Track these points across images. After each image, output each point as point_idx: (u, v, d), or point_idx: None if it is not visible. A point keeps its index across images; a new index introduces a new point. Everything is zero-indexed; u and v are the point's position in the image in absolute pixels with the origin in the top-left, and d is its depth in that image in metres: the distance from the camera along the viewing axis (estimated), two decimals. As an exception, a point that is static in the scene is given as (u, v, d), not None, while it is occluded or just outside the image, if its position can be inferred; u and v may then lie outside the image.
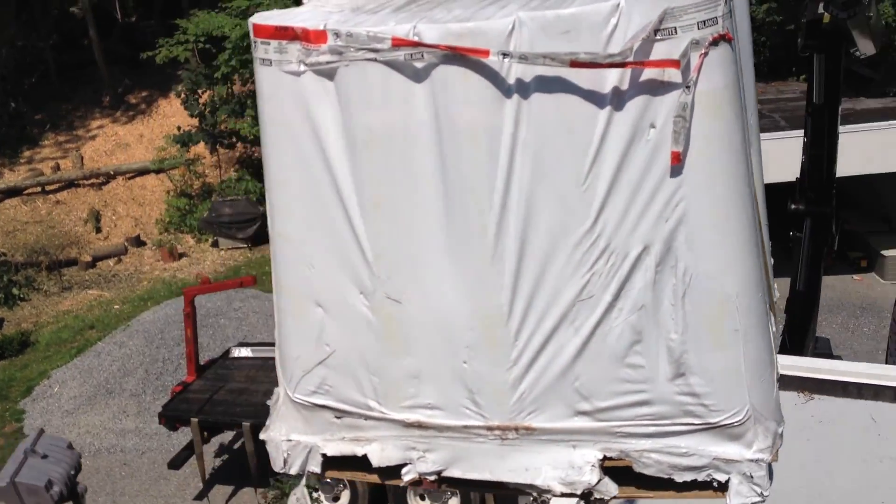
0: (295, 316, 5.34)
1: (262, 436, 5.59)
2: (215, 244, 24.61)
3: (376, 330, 5.13)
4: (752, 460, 4.85)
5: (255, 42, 4.87)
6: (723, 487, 4.96)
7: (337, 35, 4.61)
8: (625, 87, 4.36)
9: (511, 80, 4.46)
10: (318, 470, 5.53)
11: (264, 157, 5.17)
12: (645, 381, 4.83)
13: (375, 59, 4.59)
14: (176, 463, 14.02)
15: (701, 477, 4.96)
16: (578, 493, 5.05)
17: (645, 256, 4.61)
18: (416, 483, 5.38)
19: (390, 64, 4.58)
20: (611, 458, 5.05)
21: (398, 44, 4.49)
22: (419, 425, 5.24)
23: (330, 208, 4.98)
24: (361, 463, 5.48)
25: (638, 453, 4.99)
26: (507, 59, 4.34)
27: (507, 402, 5.05)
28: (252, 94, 22.87)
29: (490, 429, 5.13)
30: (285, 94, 4.86)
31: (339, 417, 5.43)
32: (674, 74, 4.24)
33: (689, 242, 4.55)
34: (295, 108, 4.86)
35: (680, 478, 4.98)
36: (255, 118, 18.18)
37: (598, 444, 5.03)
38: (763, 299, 4.86)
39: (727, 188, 4.50)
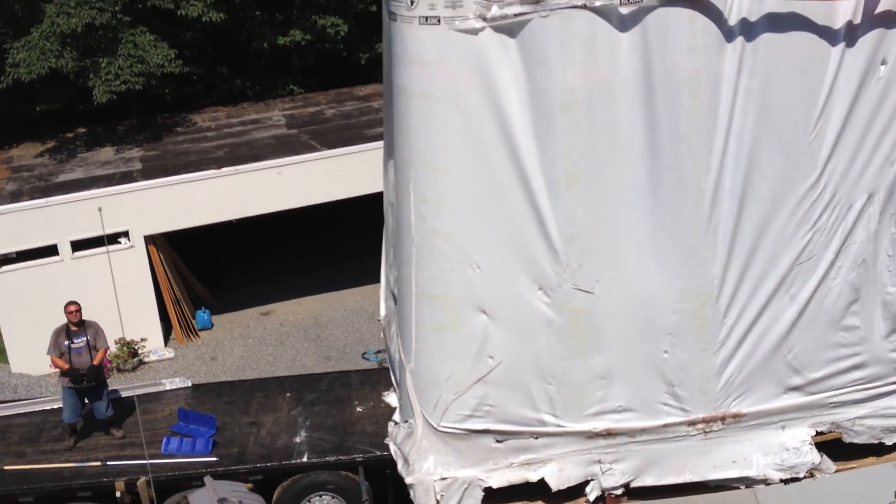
0: (447, 329, 4.51)
1: (408, 479, 4.67)
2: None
3: (559, 329, 4.44)
4: None
5: None
6: None
7: None
8: (858, 20, 4.05)
9: (734, 21, 4.02)
10: (476, 508, 4.72)
11: (405, 144, 4.33)
12: (860, 342, 4.54)
13: (584, 6, 3.96)
14: None
15: None
16: (801, 475, 4.65)
17: (868, 206, 4.33)
18: (599, 500, 4.73)
19: (600, 12, 3.97)
20: (820, 433, 4.69)
21: None
22: (607, 433, 4.60)
23: (506, 194, 4.24)
24: (529, 490, 4.74)
25: (850, 422, 4.68)
26: None
27: (712, 389, 4.55)
28: None
29: (692, 423, 4.60)
30: (456, 57, 4.07)
31: (501, 441, 4.66)
32: None
33: None
34: (468, 75, 4.09)
35: (890, 440, 4.73)
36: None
37: (809, 419, 4.66)
38: None
39: None
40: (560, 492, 4.72)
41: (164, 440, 13.04)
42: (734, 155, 4.17)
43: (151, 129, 20.38)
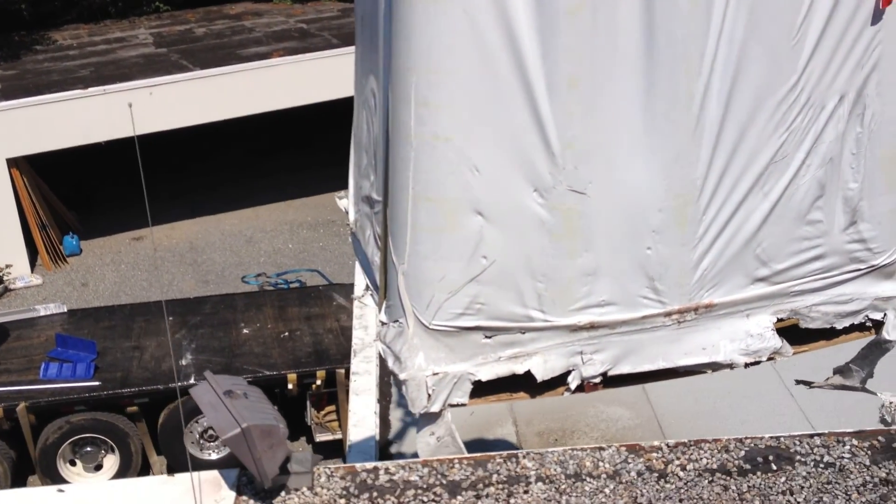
0: (443, 231, 4.62)
1: (401, 375, 4.80)
2: None
3: (551, 229, 4.62)
4: None
5: None
6: (877, 325, 5.22)
7: None
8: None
9: None
10: (464, 401, 4.91)
11: (405, 49, 4.37)
12: (821, 235, 4.91)
13: None
14: None
15: (858, 320, 5.17)
16: (764, 359, 5.03)
17: (839, 107, 4.65)
18: (579, 389, 4.99)
19: None
20: (781, 320, 5.08)
21: None
22: (590, 326, 4.84)
23: (508, 97, 4.35)
24: (513, 382, 4.96)
25: (807, 308, 5.06)
26: None
27: (688, 282, 4.84)
28: None
29: (668, 314, 4.89)
30: None
31: (490, 337, 4.84)
32: None
33: (878, 88, 4.66)
34: None
35: (840, 325, 5.15)
36: None
37: (772, 308, 5.02)
38: None
39: None
40: (542, 383, 4.96)
41: (43, 365, 12.71)
42: (723, 59, 4.40)
43: (8, 46, 19.34)
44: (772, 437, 4.89)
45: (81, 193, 20.16)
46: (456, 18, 4.22)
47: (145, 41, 20.01)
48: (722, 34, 4.36)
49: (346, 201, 5.81)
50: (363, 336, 8.83)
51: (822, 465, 4.70)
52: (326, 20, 21.09)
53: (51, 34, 20.25)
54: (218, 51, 19.03)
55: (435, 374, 4.83)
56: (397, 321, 4.87)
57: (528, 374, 4.91)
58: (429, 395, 4.84)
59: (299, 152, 22.17)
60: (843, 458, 4.73)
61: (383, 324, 4.98)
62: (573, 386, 4.95)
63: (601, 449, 4.91)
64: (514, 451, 4.94)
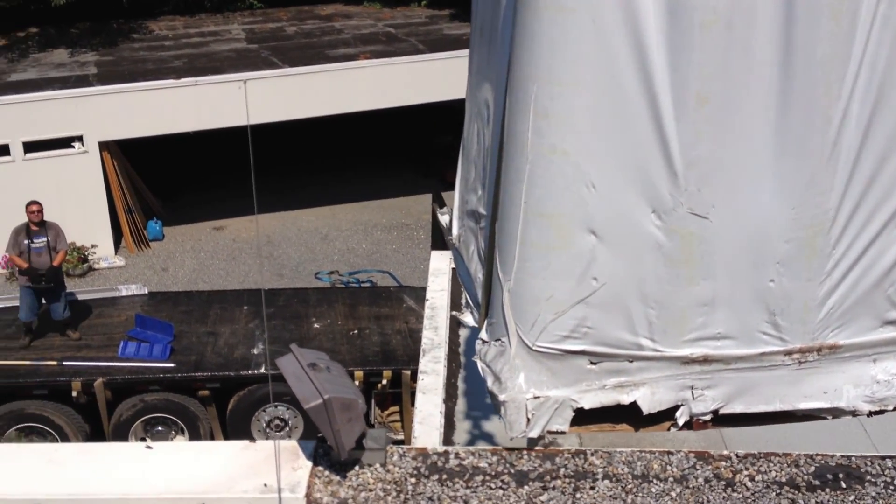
0: (553, 249, 4.40)
1: (501, 397, 4.59)
2: None
3: (668, 254, 4.37)
4: None
5: None
6: None
7: None
8: None
9: None
10: (565, 428, 4.68)
11: (527, 58, 4.15)
12: None
13: None
14: None
15: None
16: (890, 408, 4.71)
17: None
18: (687, 426, 4.73)
19: None
20: (907, 366, 4.75)
21: None
22: (703, 360, 4.58)
23: (632, 112, 4.11)
24: (616, 412, 4.71)
25: (937, 355, 4.74)
26: None
27: (812, 320, 4.54)
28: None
29: (789, 353, 4.60)
30: None
31: (595, 363, 4.61)
32: None
33: None
34: None
35: None
36: None
37: (900, 352, 4.71)
38: None
39: None
40: (647, 416, 4.71)
41: (122, 344, 12.84)
42: (865, 83, 4.11)
43: (106, 33, 19.62)
44: (843, 456, 4.76)
45: (167, 181, 20.38)
46: (583, 27, 4.00)
47: (238, 36, 20.13)
48: (865, 57, 4.08)
49: (447, 216, 5.64)
50: (433, 336, 8.74)
51: (892, 488, 4.57)
52: (414, 26, 21.03)
53: (148, 24, 20.49)
54: (307, 50, 19.06)
55: (536, 397, 4.61)
56: (499, 340, 4.67)
57: (634, 405, 4.67)
58: (528, 420, 4.63)
59: (378, 155, 22.16)
60: (914, 481, 4.51)
61: (484, 342, 4.77)
62: (681, 422, 4.69)
63: (670, 453, 4.80)
64: (583, 448, 4.87)
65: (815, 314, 4.52)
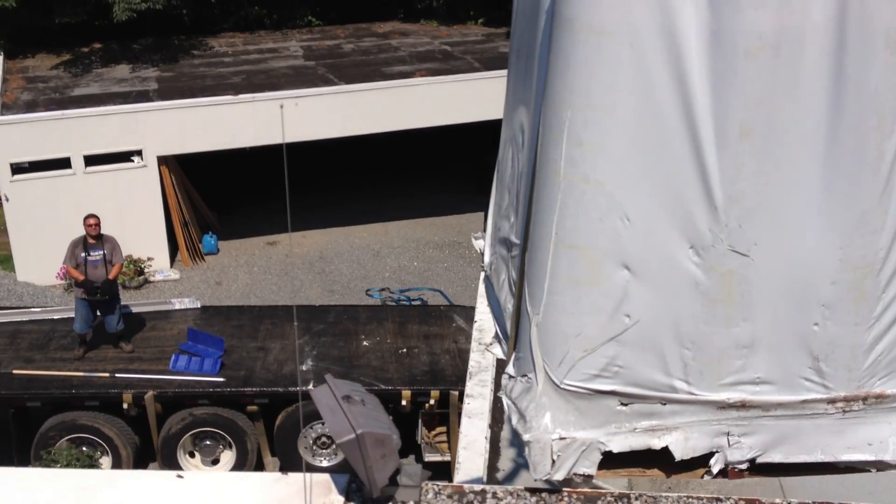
0: (584, 283, 4.20)
1: (525, 436, 4.39)
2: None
3: (706, 292, 4.14)
4: None
5: None
6: None
7: None
8: None
9: None
10: (592, 472, 4.45)
11: (561, 82, 3.97)
12: None
13: None
14: None
15: None
16: (940, 463, 4.42)
17: None
18: (722, 474, 4.47)
19: None
20: (962, 419, 4.44)
21: None
22: (741, 405, 4.32)
23: (670, 142, 3.90)
24: (646, 457, 4.48)
25: None
26: None
27: (858, 367, 4.27)
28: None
29: (832, 401, 4.32)
30: None
31: (626, 405, 4.38)
32: None
33: None
34: (647, 9, 3.72)
35: None
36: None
37: (952, 405, 4.41)
38: None
39: None
40: (679, 462, 4.47)
41: (173, 357, 12.96)
42: None
43: (167, 49, 19.84)
44: None
45: (223, 195, 20.52)
46: (620, 52, 3.81)
47: (295, 53, 20.23)
48: None
49: (481, 242, 5.46)
50: (480, 360, 8.55)
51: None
52: (470, 44, 20.96)
53: (208, 40, 20.71)
54: (363, 67, 19.08)
55: (562, 438, 4.40)
56: (525, 376, 4.47)
57: (665, 450, 4.43)
58: (553, 461, 4.41)
59: (431, 173, 22.09)
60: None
61: (510, 377, 4.58)
62: (715, 470, 4.43)
63: (718, 500, 4.51)
64: (626, 492, 4.59)
65: (862, 361, 4.25)
